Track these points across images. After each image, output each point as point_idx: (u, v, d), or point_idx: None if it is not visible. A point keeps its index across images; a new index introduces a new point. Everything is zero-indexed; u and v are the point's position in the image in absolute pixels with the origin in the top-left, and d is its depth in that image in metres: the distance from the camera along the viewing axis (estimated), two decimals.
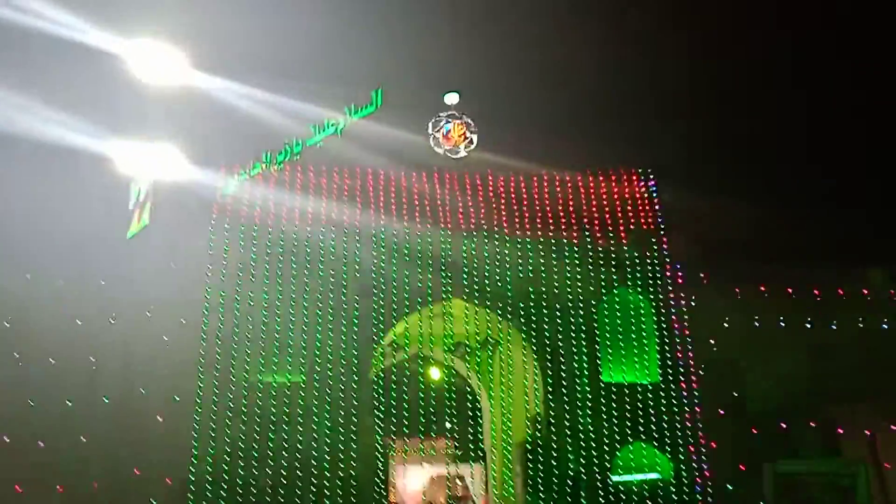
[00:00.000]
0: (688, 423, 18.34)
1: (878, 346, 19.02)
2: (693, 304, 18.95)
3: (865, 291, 19.77)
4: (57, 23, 17.46)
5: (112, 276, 18.61)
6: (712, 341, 18.83)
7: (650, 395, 18.54)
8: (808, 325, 19.29)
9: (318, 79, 19.54)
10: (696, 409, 18.41)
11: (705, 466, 18.08)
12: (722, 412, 18.38)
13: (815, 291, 19.37)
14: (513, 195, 19.90)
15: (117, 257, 18.62)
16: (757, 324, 19.13)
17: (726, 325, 19.07)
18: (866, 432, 17.86)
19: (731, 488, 17.85)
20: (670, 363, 18.69)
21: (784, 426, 18.28)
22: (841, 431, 18.16)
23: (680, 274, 19.20)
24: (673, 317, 18.96)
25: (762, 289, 19.24)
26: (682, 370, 18.64)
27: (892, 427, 17.61)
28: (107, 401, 17.68)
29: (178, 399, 17.48)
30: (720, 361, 18.83)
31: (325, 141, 18.30)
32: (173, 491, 17.05)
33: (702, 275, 19.17)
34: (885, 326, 19.30)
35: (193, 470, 17.13)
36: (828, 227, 19.84)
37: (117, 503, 16.95)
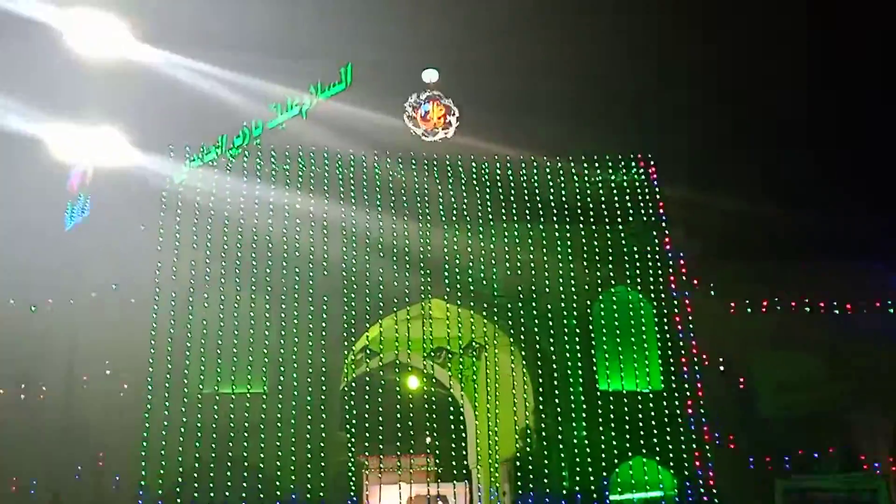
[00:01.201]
0: (693, 436, 17.11)
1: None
2: (698, 303, 17.74)
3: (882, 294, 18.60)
4: None
5: (48, 272, 17.10)
6: (718, 345, 17.58)
7: (651, 405, 17.35)
8: (823, 329, 18.05)
9: (280, 53, 18.26)
10: (702, 419, 17.18)
11: (712, 483, 16.86)
12: (729, 423, 17.22)
13: (831, 293, 18.21)
14: (499, 183, 18.65)
15: (54, 253, 17.16)
16: (768, 326, 17.91)
17: (734, 326, 17.85)
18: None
19: None
20: (673, 369, 17.50)
21: (797, 438, 17.22)
22: (859, 444, 17.16)
23: (684, 271, 17.94)
24: (676, 317, 17.77)
25: (773, 289, 18.04)
26: (686, 376, 17.43)
27: None
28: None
29: (124, 413, 16.22)
30: (728, 367, 17.65)
31: (288, 123, 17.31)
32: None
33: (707, 272, 17.92)
34: None
35: (142, 492, 15.88)
36: (844, 224, 18.58)
37: None
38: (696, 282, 17.83)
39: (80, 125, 17.21)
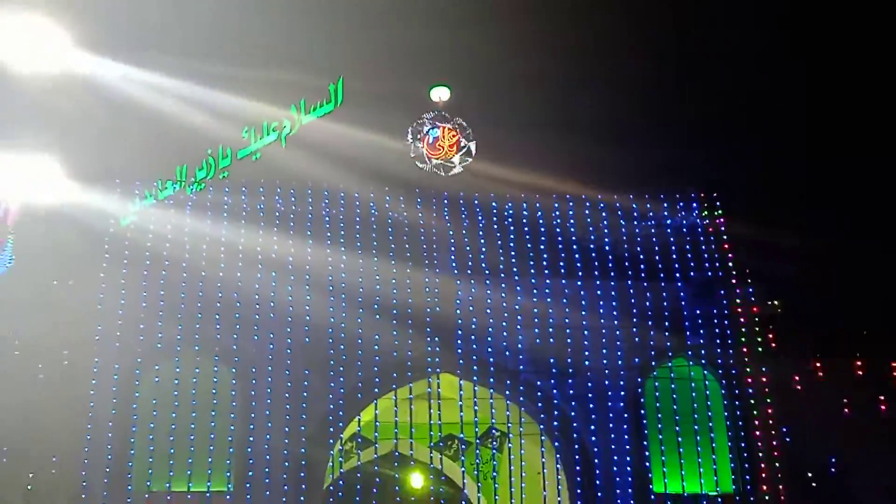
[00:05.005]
0: None
1: None
2: (780, 381, 15.46)
3: None
4: None
5: None
6: (807, 435, 15.05)
7: None
8: None
9: (255, 65, 16.71)
10: None
11: None
12: None
13: None
14: (525, 225, 16.87)
15: None
16: (869, 409, 15.40)
17: (826, 410, 15.29)
18: None
19: None
20: (748, 466, 15.30)
21: None
22: None
23: (760, 340, 15.71)
24: (751, 399, 15.51)
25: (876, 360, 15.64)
26: (764, 476, 15.14)
27: None
28: None
29: None
30: (818, 464, 15.14)
31: (264, 151, 14.96)
32: None
33: (792, 339, 15.72)
34: None
35: None
36: None
37: None
38: (777, 351, 15.55)
39: (6, 153, 15.21)
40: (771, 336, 15.77)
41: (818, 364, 15.69)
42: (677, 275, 16.47)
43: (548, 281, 16.36)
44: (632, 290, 16.27)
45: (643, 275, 16.39)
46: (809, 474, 15.01)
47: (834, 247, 16.40)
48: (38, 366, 15.04)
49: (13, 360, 15.07)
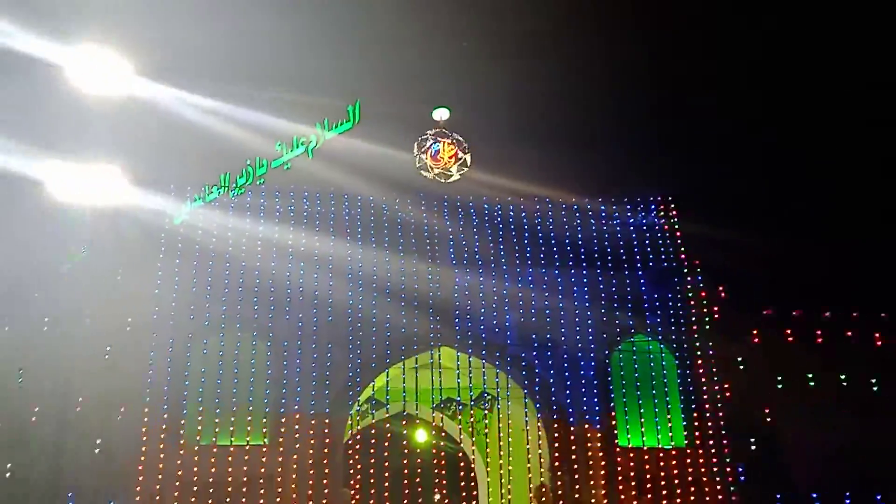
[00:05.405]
0: (719, 496, 16.63)
1: None
2: (724, 354, 17.37)
3: None
4: None
5: (46, 315, 16.91)
6: (747, 397, 17.15)
7: (674, 462, 16.90)
8: (856, 378, 17.53)
9: (287, 90, 17.89)
10: (728, 479, 16.73)
11: None
12: (757, 484, 16.74)
13: (866, 339, 17.74)
14: (512, 224, 18.58)
15: (52, 294, 16.97)
16: (798, 376, 17.45)
17: (763, 377, 17.38)
18: None
19: None
20: (697, 424, 17.10)
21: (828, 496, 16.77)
22: None
23: (707, 319, 17.58)
24: (700, 369, 17.37)
25: (806, 335, 17.61)
26: (710, 432, 17.03)
27: None
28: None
29: (119, 465, 15.88)
30: (756, 422, 17.12)
31: (293, 161, 16.22)
32: None
33: (732, 319, 17.59)
34: None
35: None
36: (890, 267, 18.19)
37: None
38: (719, 328, 17.46)
39: (80, 163, 16.78)
40: (716, 316, 17.56)
41: (755, 339, 17.51)
42: (638, 266, 18.10)
43: (530, 270, 17.96)
44: (600, 279, 17.89)
45: (610, 265, 18.05)
46: (749, 431, 16.87)
47: (768, 243, 18.29)
48: (105, 340, 16.58)
49: (85, 336, 16.56)
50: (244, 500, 16.01)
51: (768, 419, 17.08)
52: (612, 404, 17.25)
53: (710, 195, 18.49)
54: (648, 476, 16.73)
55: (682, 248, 18.19)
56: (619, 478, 16.72)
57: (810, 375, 17.38)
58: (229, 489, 16.08)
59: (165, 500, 15.83)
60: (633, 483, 16.68)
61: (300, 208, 18.07)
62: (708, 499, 16.59)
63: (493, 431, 17.46)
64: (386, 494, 16.79)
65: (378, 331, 17.21)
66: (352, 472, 17.00)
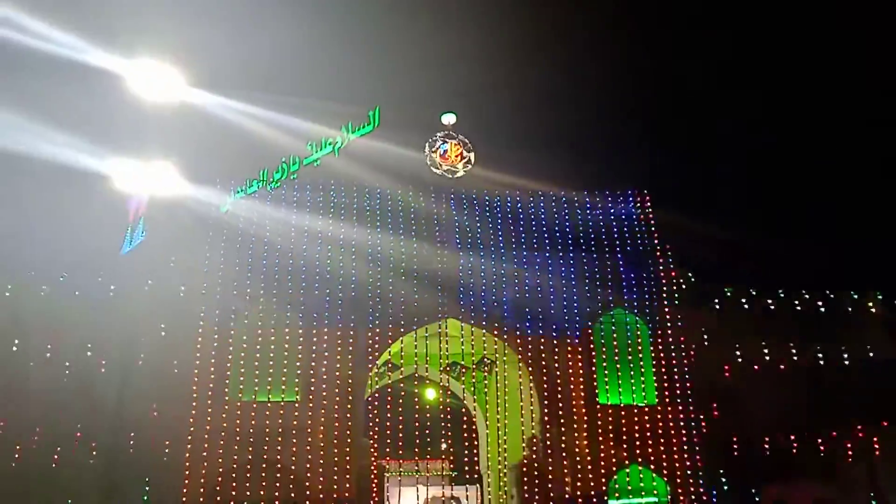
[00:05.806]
0: (684, 447, 18.62)
1: (879, 371, 19.42)
2: (689, 325, 19.36)
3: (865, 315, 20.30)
4: (56, 42, 17.90)
5: (109, 291, 18.91)
6: (709, 363, 19.26)
7: (647, 418, 18.81)
8: (806, 348, 19.74)
9: (316, 97, 19.94)
10: (693, 431, 18.70)
11: (702, 490, 18.34)
12: (718, 435, 18.68)
13: (814, 313, 19.91)
14: (509, 214, 20.29)
15: (114, 273, 19.02)
16: (753, 343, 19.57)
17: (723, 346, 19.52)
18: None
19: None
20: (667, 384, 18.97)
21: (781, 449, 18.66)
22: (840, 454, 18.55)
23: (676, 296, 19.59)
24: (670, 339, 19.30)
25: (760, 310, 19.76)
26: (678, 392, 18.93)
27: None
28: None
29: (172, 417, 17.65)
30: (716, 383, 19.18)
31: (322, 159, 18.03)
32: None
33: (698, 296, 19.73)
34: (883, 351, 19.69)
35: (186, 489, 17.38)
36: (828, 250, 20.32)
37: None
38: (686, 303, 19.41)
39: (139, 160, 18.73)
40: (684, 293, 19.49)
41: (717, 312, 19.54)
42: (617, 249, 19.95)
43: (525, 253, 19.70)
44: (585, 260, 19.75)
45: (593, 249, 19.89)
46: (710, 391, 18.91)
47: (729, 230, 20.44)
48: (161, 308, 18.45)
49: (143, 307, 18.45)
50: (279, 448, 17.78)
51: (727, 380, 19.13)
52: (593, 368, 19.05)
53: (680, 189, 20.41)
54: (625, 429, 18.66)
55: (656, 235, 20.12)
56: (600, 430, 18.62)
57: (763, 343, 19.48)
58: (266, 439, 17.81)
59: (212, 448, 17.56)
60: (611, 435, 18.60)
61: (328, 200, 19.81)
62: (675, 448, 18.59)
63: (492, 391, 19.30)
64: (400, 444, 18.67)
65: (394, 304, 18.99)
66: (371, 424, 18.68)
